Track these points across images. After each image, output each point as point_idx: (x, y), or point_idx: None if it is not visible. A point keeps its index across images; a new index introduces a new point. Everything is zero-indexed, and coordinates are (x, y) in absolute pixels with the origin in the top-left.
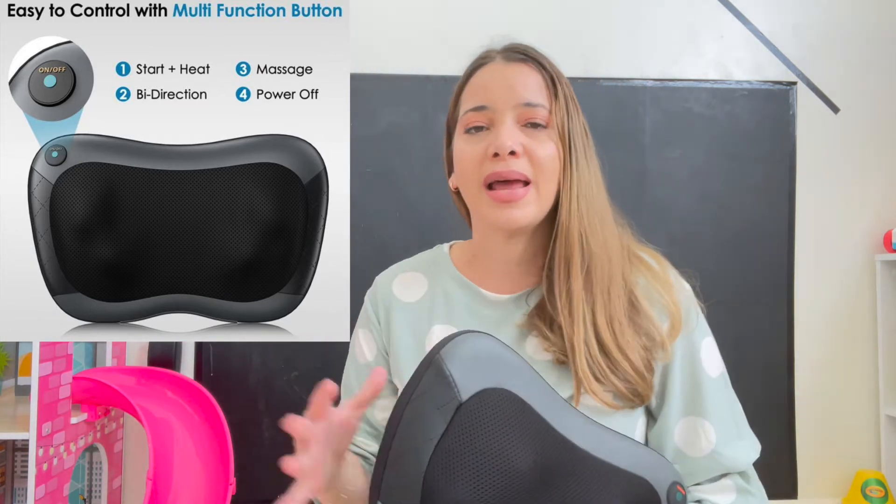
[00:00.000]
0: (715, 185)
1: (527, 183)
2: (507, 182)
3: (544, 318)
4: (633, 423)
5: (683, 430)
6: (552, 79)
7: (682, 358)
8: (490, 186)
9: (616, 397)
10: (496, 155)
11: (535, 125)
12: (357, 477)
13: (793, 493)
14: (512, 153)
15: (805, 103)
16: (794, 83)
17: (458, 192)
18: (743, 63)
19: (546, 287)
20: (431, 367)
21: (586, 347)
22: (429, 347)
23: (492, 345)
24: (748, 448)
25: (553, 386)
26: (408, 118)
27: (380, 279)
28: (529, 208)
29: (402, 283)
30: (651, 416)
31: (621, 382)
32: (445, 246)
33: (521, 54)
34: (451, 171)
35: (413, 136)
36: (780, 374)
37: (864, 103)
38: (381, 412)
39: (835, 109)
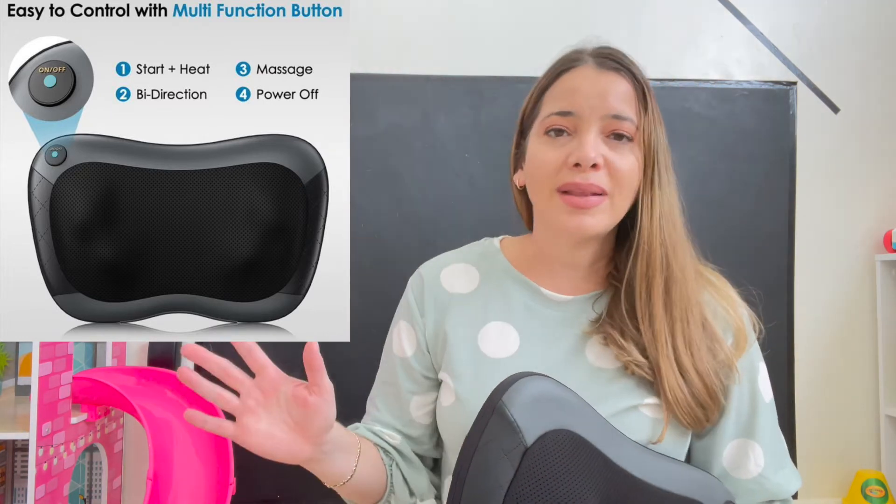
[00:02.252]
0: (715, 185)
1: (602, 194)
2: (583, 193)
3: (615, 326)
4: (685, 443)
5: (733, 452)
6: (643, 91)
7: (742, 379)
8: (563, 192)
9: (686, 422)
10: (577, 165)
11: (619, 136)
12: (374, 469)
13: None
14: (593, 166)
15: (805, 103)
16: (794, 83)
17: (521, 190)
18: (743, 63)
19: (626, 304)
20: (495, 413)
21: (671, 371)
22: (482, 343)
23: (549, 386)
24: (792, 477)
25: (618, 395)
26: (408, 118)
27: (425, 270)
28: (602, 216)
29: (451, 274)
30: (695, 435)
31: (696, 408)
32: (495, 240)
33: (614, 62)
34: (516, 167)
35: (413, 136)
36: (780, 374)
37: (864, 103)
38: (418, 409)
39: (835, 109)
